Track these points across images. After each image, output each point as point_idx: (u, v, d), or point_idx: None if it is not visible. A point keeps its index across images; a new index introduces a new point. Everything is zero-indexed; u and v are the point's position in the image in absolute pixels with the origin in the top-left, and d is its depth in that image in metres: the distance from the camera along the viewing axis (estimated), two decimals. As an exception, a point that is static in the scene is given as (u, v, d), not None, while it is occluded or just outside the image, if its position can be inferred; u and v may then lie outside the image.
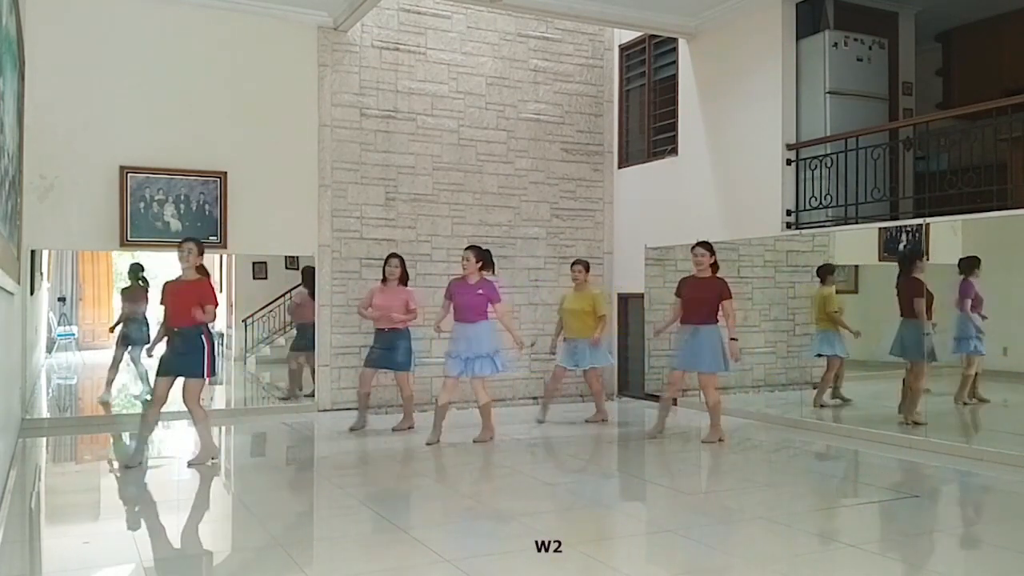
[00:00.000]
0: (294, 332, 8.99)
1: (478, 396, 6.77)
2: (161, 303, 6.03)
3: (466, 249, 6.93)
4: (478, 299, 6.72)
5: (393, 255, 7.43)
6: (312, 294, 8.41)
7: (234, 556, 4.20)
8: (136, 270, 8.66)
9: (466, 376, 6.70)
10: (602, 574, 3.80)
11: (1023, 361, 7.21)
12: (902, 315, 7.00)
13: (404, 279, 7.36)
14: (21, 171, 6.78)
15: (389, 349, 7.21)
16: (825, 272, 7.91)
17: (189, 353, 5.79)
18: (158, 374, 5.88)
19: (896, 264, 7.11)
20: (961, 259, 7.02)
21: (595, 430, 7.52)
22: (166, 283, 6.07)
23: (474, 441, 6.71)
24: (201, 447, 5.92)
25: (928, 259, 6.82)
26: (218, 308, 6.09)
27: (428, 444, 6.60)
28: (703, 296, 6.74)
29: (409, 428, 7.30)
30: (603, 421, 7.79)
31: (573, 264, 7.92)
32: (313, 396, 8.38)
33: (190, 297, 5.81)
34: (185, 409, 5.89)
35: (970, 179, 6.37)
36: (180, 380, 5.85)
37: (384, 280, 7.34)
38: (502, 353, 6.83)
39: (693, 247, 6.92)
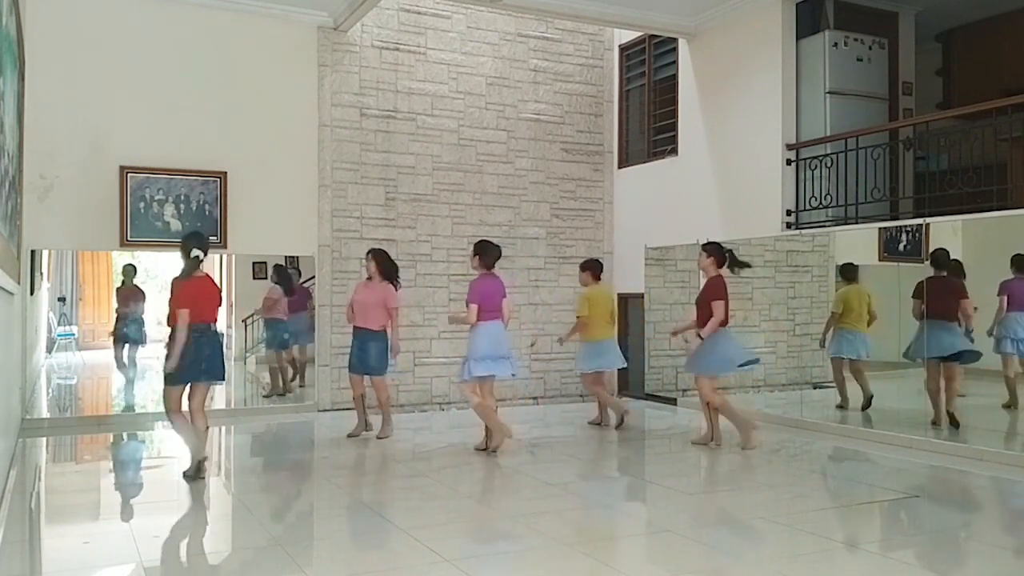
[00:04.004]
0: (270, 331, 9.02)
1: (491, 400, 6.36)
2: (181, 304, 5.35)
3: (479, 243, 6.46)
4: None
5: (372, 251, 6.92)
6: (286, 291, 8.52)
7: (234, 556, 4.19)
8: (130, 271, 8.63)
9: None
10: (602, 574, 3.80)
11: (1023, 361, 7.20)
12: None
13: (390, 275, 6.84)
14: (21, 171, 6.77)
15: (362, 351, 6.78)
16: (853, 271, 7.81)
17: (217, 355, 5.49)
18: (194, 380, 5.42)
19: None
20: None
21: (600, 431, 7.47)
22: (182, 280, 5.47)
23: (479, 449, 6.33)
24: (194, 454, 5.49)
25: (927, 260, 6.83)
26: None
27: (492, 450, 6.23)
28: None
29: (386, 436, 6.85)
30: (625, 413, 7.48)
31: (596, 265, 7.53)
32: (285, 394, 8.56)
33: (217, 295, 5.63)
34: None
35: (970, 179, 6.37)
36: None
37: (369, 277, 6.91)
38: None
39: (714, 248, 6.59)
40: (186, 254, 5.48)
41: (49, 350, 9.29)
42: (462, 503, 5.14)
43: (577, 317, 7.48)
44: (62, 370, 9.56)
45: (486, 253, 6.28)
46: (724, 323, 6.40)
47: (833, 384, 7.94)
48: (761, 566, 3.86)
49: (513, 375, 6.49)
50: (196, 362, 5.37)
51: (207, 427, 5.57)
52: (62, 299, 9.23)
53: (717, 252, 6.53)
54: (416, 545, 4.11)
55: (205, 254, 5.52)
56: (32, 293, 7.72)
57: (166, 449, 6.98)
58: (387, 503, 5.21)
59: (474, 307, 6.14)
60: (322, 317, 8.36)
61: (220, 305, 5.67)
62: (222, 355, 5.54)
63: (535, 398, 9.14)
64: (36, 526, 4.74)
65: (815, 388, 8.21)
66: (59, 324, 9.34)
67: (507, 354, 6.31)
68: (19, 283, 6.15)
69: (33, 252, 7.47)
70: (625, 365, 7.90)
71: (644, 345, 9.19)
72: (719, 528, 4.63)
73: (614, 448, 6.90)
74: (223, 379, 5.59)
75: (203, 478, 5.40)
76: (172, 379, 5.39)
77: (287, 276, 8.67)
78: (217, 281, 9.51)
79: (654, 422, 8.09)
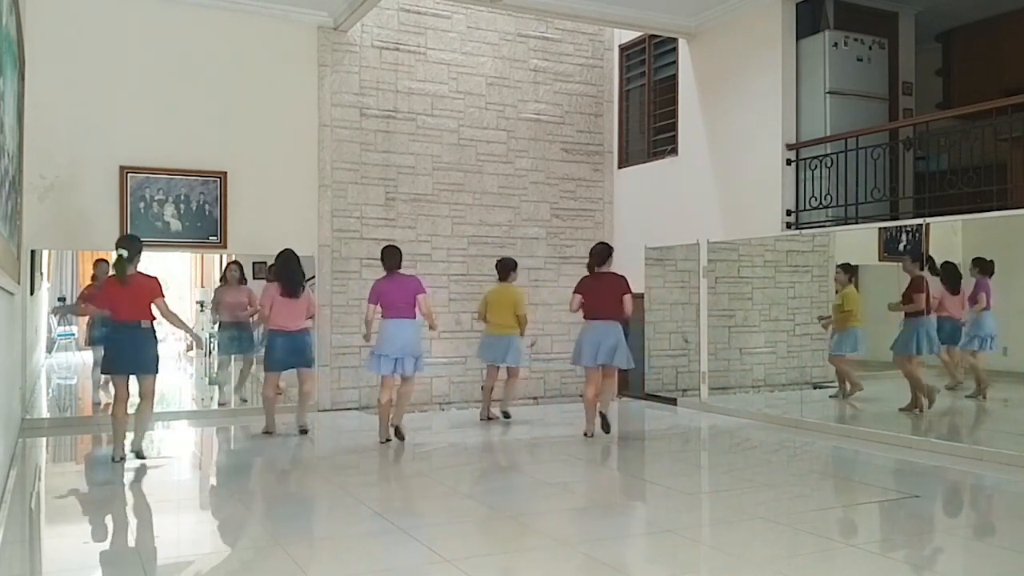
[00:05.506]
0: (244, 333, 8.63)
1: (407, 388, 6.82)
2: (99, 305, 6.01)
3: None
4: None
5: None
6: (236, 281, 8.35)
7: (234, 556, 4.19)
8: (104, 268, 8.54)
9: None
10: (602, 574, 3.80)
11: (1023, 361, 7.21)
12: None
13: (276, 276, 6.95)
14: (21, 171, 6.77)
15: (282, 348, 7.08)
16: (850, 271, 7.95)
17: (145, 350, 5.90)
18: (126, 372, 5.94)
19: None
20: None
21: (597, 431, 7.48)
22: (110, 280, 5.96)
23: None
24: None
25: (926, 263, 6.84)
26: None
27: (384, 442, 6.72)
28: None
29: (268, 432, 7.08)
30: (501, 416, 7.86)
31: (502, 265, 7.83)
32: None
33: (150, 294, 5.94)
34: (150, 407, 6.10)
35: (970, 179, 6.37)
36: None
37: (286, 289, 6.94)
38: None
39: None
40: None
41: (49, 350, 9.29)
42: (462, 503, 5.14)
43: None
44: (62, 370, 9.55)
45: (386, 257, 6.79)
46: (594, 317, 6.79)
47: (835, 384, 7.96)
48: (761, 566, 3.85)
49: (403, 372, 6.65)
50: (127, 356, 5.88)
51: (151, 414, 6.14)
52: (62, 299, 9.23)
53: (595, 254, 6.96)
54: (416, 545, 4.11)
55: (130, 253, 5.87)
56: (32, 293, 7.72)
57: (166, 449, 6.98)
58: (387, 503, 5.21)
59: (370, 306, 6.68)
60: (322, 317, 8.35)
61: (155, 301, 5.94)
62: (151, 350, 5.95)
63: (535, 398, 9.14)
64: (36, 526, 4.74)
65: (815, 388, 8.22)
66: (59, 324, 9.34)
67: (414, 352, 6.63)
68: (19, 283, 6.15)
69: (33, 252, 7.47)
70: (516, 364, 7.74)
71: (644, 345, 9.19)
72: (719, 528, 4.63)
73: (614, 448, 6.90)
74: (154, 372, 6.01)
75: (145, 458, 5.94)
76: (105, 371, 6.10)
77: (235, 272, 8.38)
78: (216, 281, 9.57)
79: (654, 422, 8.09)
